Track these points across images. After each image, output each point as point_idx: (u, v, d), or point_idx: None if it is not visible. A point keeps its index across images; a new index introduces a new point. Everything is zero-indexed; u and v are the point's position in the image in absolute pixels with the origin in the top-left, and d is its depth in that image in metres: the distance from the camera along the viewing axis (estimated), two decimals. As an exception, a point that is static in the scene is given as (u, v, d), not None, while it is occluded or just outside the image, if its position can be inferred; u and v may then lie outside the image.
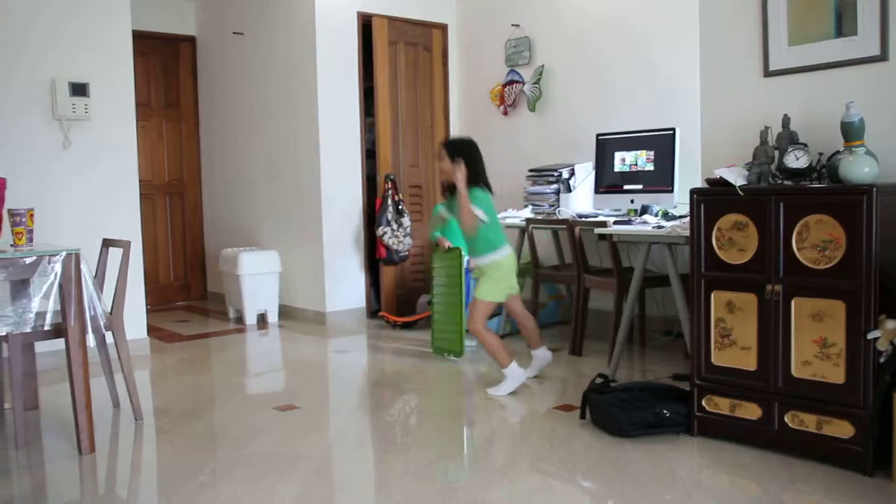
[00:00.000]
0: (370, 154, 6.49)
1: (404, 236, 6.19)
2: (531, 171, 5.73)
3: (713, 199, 3.31)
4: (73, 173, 5.06)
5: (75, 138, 5.06)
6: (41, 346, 4.28)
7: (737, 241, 3.23)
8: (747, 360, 3.23)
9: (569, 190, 5.45)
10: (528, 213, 5.60)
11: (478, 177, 4.24)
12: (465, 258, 4.75)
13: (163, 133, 7.40)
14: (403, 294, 6.49)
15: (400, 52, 6.47)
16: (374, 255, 6.34)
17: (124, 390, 4.15)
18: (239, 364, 5.30)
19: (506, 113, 6.44)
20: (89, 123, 5.09)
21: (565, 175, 5.49)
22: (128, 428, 3.79)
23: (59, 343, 3.49)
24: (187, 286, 7.56)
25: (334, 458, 3.34)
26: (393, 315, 6.17)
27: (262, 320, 6.40)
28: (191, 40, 7.55)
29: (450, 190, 4.35)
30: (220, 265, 6.60)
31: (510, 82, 6.37)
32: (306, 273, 6.35)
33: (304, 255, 6.36)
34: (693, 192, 3.36)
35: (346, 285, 6.32)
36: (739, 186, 3.21)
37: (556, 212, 5.39)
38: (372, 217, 6.35)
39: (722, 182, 3.31)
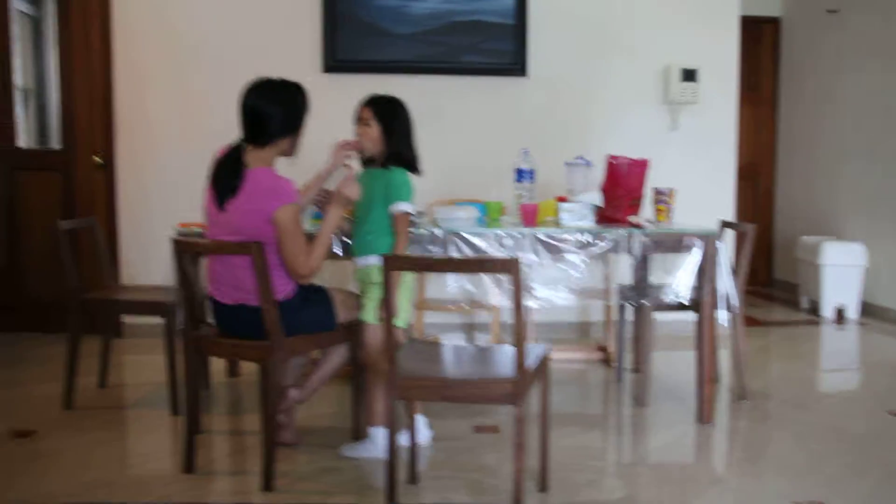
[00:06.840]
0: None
1: None
2: None
3: None
4: (679, 154, 5.33)
5: (683, 121, 5.34)
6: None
7: None
8: None
9: None
10: None
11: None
12: None
13: (741, 117, 7.40)
14: None
15: None
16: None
17: (722, 366, 4.31)
18: (825, 357, 5.15)
19: None
20: (696, 107, 5.33)
21: None
22: (732, 405, 3.91)
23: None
24: (754, 271, 7.50)
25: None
26: None
27: (838, 314, 6.09)
28: (774, 21, 7.41)
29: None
30: (798, 253, 6.43)
31: None
32: (896, 270, 5.88)
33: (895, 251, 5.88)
34: None
35: (943, 287, 5.72)
36: None
37: None
38: (983, 214, 5.63)
39: None
